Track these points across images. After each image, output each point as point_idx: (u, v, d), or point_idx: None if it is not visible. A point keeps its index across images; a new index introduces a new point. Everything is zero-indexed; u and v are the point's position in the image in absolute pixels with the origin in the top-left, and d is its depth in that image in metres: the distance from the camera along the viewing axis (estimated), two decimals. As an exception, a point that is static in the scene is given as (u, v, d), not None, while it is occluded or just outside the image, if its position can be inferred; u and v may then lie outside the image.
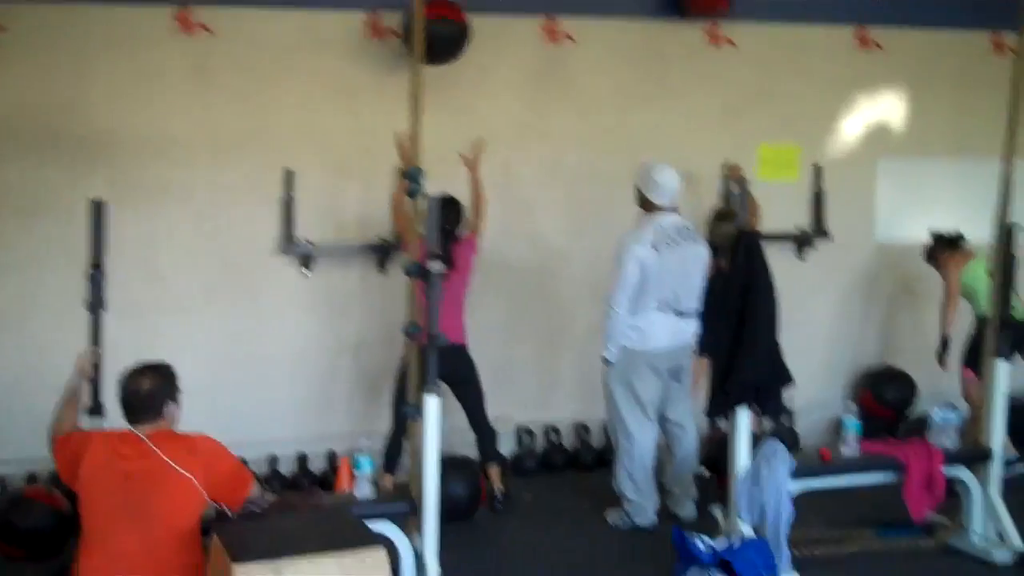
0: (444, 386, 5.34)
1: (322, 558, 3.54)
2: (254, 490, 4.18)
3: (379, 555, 3.62)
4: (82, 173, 6.36)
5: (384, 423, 6.28)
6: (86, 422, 4.55)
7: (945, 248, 7.07)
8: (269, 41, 6.67)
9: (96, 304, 4.65)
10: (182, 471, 3.87)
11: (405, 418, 5.67)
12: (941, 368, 6.94)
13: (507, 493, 6.29)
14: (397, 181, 6.14)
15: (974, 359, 6.40)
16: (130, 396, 4.01)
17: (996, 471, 5.41)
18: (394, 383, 6.14)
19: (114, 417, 4.23)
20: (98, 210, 4.71)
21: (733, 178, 6.62)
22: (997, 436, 5.45)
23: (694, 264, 5.77)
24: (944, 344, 6.88)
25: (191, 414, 4.29)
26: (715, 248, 6.06)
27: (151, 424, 3.99)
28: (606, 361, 5.86)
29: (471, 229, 6.28)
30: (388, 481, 6.05)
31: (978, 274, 6.62)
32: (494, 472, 6.30)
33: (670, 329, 5.77)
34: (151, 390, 4.03)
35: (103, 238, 4.71)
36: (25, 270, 6.39)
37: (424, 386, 4.62)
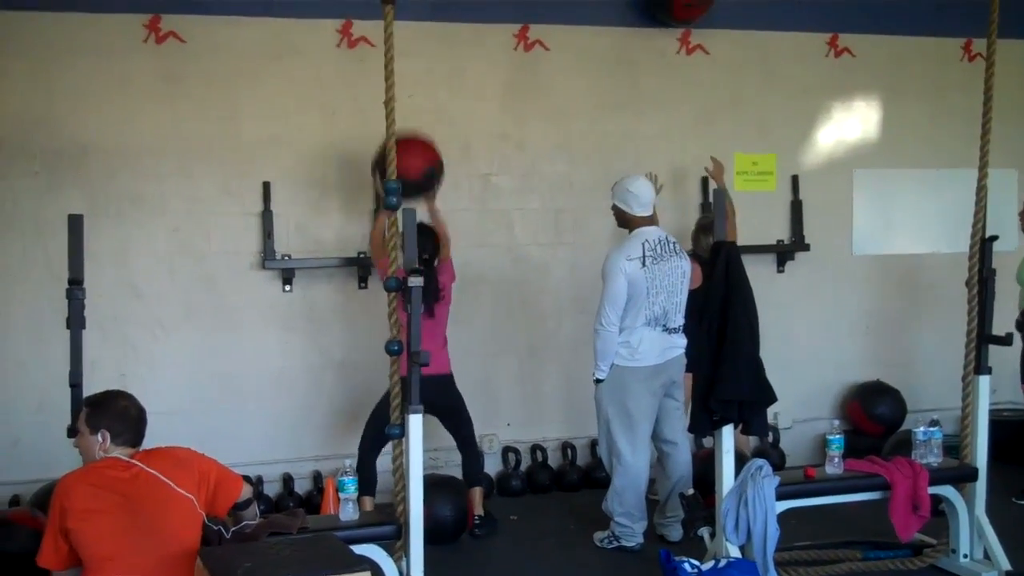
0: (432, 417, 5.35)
1: (308, 583, 3.48)
2: (245, 490, 4.13)
3: (365, 579, 3.56)
4: (54, 186, 6.29)
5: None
6: (65, 444, 4.45)
7: None
8: (241, 50, 6.61)
9: (76, 322, 4.55)
10: (181, 491, 3.83)
11: (375, 439, 5.77)
12: None
13: (487, 517, 6.23)
14: (377, 217, 6.11)
15: None
16: (131, 416, 3.95)
17: (982, 490, 5.39)
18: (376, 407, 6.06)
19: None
20: (76, 225, 4.62)
21: (715, 177, 6.62)
22: (981, 453, 5.44)
23: (680, 279, 5.74)
24: None
25: (173, 433, 4.25)
26: (702, 261, 6.05)
27: (133, 447, 3.92)
28: (597, 380, 5.81)
29: (442, 258, 6.18)
30: (367, 504, 5.97)
31: None
32: (476, 495, 6.23)
33: (660, 345, 5.73)
34: (141, 413, 3.99)
35: (81, 253, 4.63)
36: (-1, 285, 6.30)
37: (407, 406, 4.57)
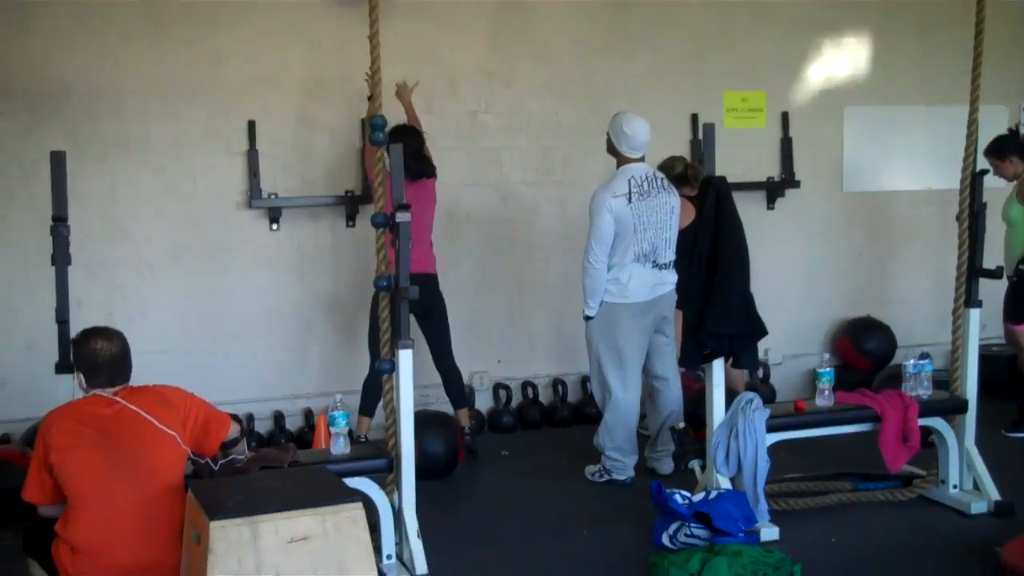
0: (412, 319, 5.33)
1: (299, 514, 3.46)
2: (233, 429, 4.11)
3: (357, 511, 3.55)
4: (37, 127, 6.20)
5: (359, 379, 6.21)
6: (53, 382, 4.44)
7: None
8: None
9: (62, 259, 4.51)
10: (163, 428, 3.80)
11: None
12: None
13: (473, 426, 6.40)
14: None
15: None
16: (110, 357, 3.88)
17: (971, 421, 5.42)
18: (369, 326, 6.04)
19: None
20: (58, 161, 4.57)
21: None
22: (971, 386, 5.45)
23: (668, 214, 5.71)
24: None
25: (162, 373, 4.23)
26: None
27: (121, 384, 3.90)
28: (587, 317, 5.80)
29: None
30: (364, 424, 6.02)
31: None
32: (463, 414, 6.37)
33: (650, 281, 5.70)
34: (125, 349, 3.93)
35: (64, 190, 4.58)
36: (-17, 226, 6.23)
37: (397, 340, 4.56)
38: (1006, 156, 6.57)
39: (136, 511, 3.71)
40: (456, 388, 6.40)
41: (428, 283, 6.01)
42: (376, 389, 5.78)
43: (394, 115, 5.71)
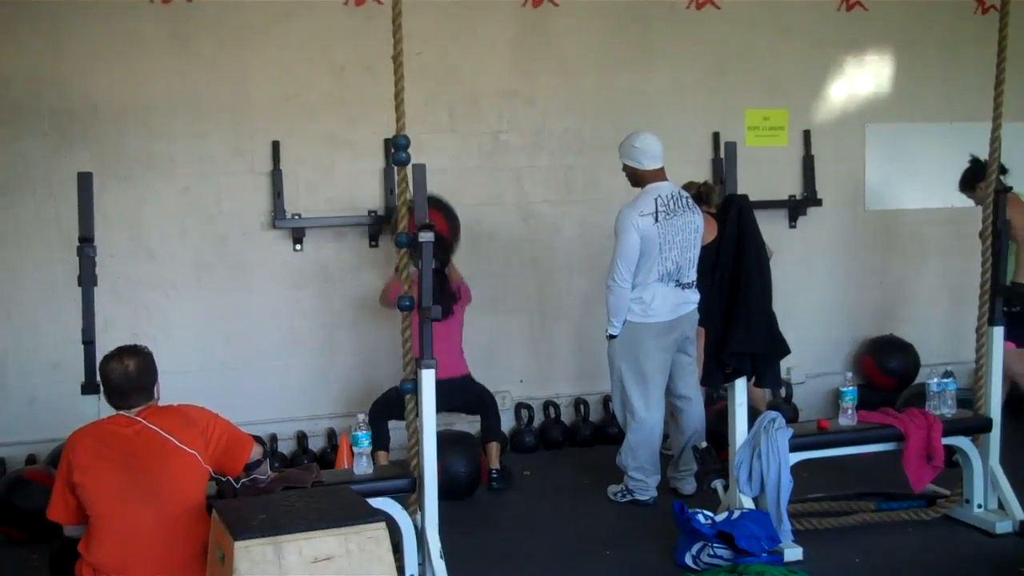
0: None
1: (323, 534, 3.48)
2: (255, 451, 4.13)
3: (380, 531, 3.57)
4: (63, 146, 6.28)
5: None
6: (79, 402, 4.48)
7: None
8: (249, 8, 6.54)
9: (88, 280, 4.55)
10: (183, 447, 3.83)
11: (382, 413, 5.94)
12: None
13: (503, 471, 6.25)
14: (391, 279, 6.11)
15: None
16: (121, 379, 3.91)
17: (995, 440, 5.39)
18: (376, 402, 6.13)
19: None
20: (85, 183, 4.63)
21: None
22: (995, 404, 5.42)
23: (693, 234, 5.70)
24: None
25: (185, 393, 4.23)
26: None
27: (142, 405, 3.93)
28: (610, 336, 5.80)
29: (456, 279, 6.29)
30: (382, 459, 6.01)
31: None
32: (493, 450, 6.27)
33: (673, 300, 5.70)
34: (141, 370, 3.95)
35: (91, 212, 4.63)
36: (11, 245, 6.30)
37: (419, 360, 4.57)
38: (974, 185, 6.51)
39: (157, 531, 3.73)
40: (492, 424, 6.34)
41: (464, 385, 6.12)
42: (380, 431, 5.93)
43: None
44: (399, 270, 4.74)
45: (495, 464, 6.23)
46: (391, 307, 5.88)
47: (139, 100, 6.40)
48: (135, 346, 4.03)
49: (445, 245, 6.14)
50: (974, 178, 6.48)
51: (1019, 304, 5.95)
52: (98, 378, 4.00)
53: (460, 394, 6.01)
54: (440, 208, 6.24)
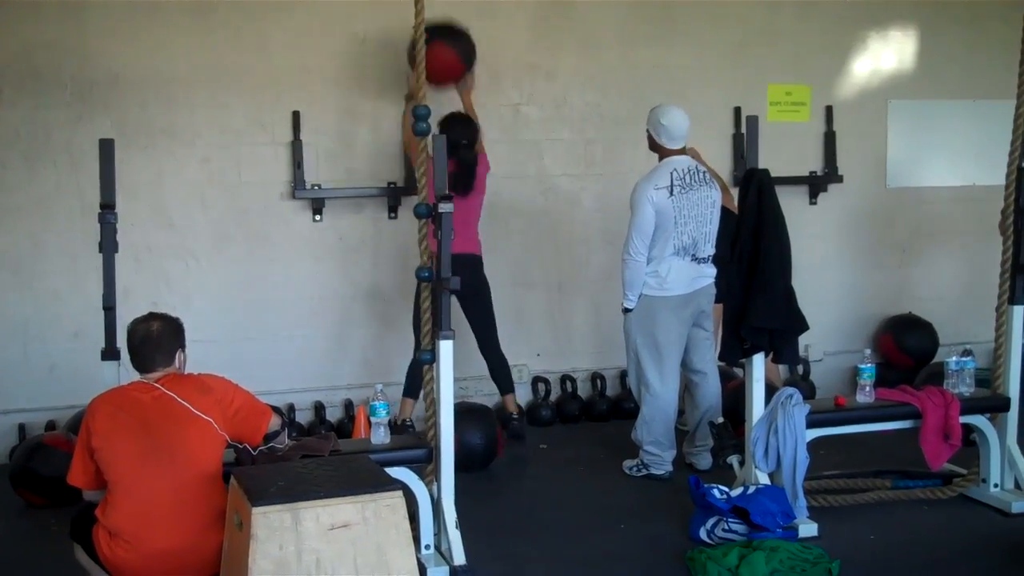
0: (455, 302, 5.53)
1: (340, 501, 3.50)
2: (274, 422, 4.17)
3: (397, 499, 3.59)
4: (86, 116, 6.30)
5: (399, 371, 6.27)
6: (99, 369, 4.52)
7: None
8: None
9: (109, 246, 4.57)
10: (199, 413, 3.85)
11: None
12: None
13: (523, 413, 6.41)
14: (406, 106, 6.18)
15: None
16: (144, 340, 3.96)
17: (1013, 419, 5.37)
18: (413, 309, 5.96)
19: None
20: (107, 149, 4.64)
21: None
22: (1014, 383, 5.40)
23: (709, 208, 5.69)
24: None
25: (204, 362, 4.28)
26: None
27: (162, 370, 3.96)
28: (626, 310, 5.80)
29: (477, 150, 6.35)
30: (408, 407, 6.07)
31: None
32: (510, 400, 6.40)
33: (689, 274, 5.70)
34: (165, 333, 4.00)
35: (112, 178, 4.65)
36: (33, 214, 6.33)
37: (438, 331, 4.58)
38: None
39: (172, 497, 3.76)
40: (502, 373, 6.45)
41: (472, 264, 6.12)
42: (420, 373, 5.84)
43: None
44: (419, 242, 4.74)
45: (513, 409, 6.38)
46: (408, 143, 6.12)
47: (161, 70, 6.41)
48: (166, 314, 4.09)
49: (471, 126, 6.26)
50: None
51: None
52: (123, 350, 4.03)
53: (463, 271, 5.36)
54: (448, 37, 6.17)
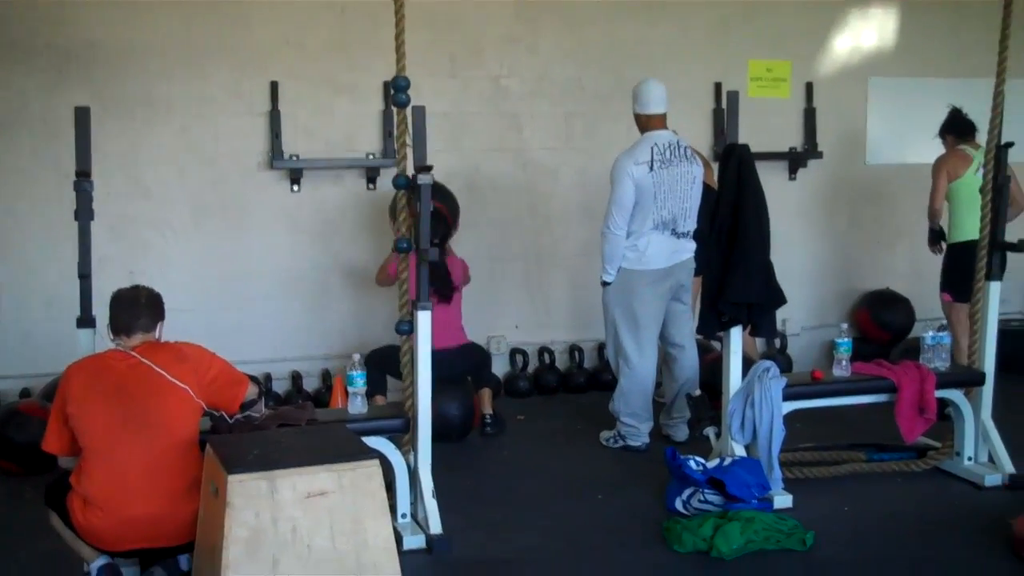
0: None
1: (317, 469, 3.51)
2: (251, 391, 4.17)
3: (374, 468, 3.59)
4: (62, 83, 6.23)
5: (377, 341, 6.24)
6: (74, 337, 4.49)
7: (950, 133, 6.77)
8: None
9: (84, 214, 4.53)
10: (175, 381, 3.84)
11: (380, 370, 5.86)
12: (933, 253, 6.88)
13: (496, 416, 6.27)
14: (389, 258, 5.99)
15: (947, 281, 6.58)
16: (131, 301, 3.97)
17: (988, 394, 5.40)
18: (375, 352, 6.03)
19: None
20: (83, 117, 4.58)
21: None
22: (989, 358, 5.43)
23: (689, 184, 5.69)
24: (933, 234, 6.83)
25: (182, 331, 4.24)
26: None
27: (141, 336, 3.95)
28: (604, 283, 5.80)
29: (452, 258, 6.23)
30: (379, 401, 6.01)
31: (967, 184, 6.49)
32: (485, 395, 6.27)
33: (668, 248, 5.70)
34: (151, 300, 4.03)
35: (88, 146, 4.60)
36: (9, 182, 6.27)
37: (415, 302, 4.58)
38: (943, 136, 6.80)
39: (147, 464, 3.75)
40: (484, 368, 6.35)
41: (468, 350, 6.17)
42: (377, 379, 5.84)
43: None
44: (398, 214, 4.72)
45: (488, 409, 6.24)
46: (388, 284, 5.94)
47: (138, 39, 6.35)
48: (151, 288, 4.10)
49: (444, 225, 6.09)
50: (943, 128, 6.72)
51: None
52: (99, 318, 4.00)
53: (461, 360, 6.04)
54: (438, 193, 6.16)
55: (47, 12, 6.21)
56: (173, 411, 3.83)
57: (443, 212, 6.07)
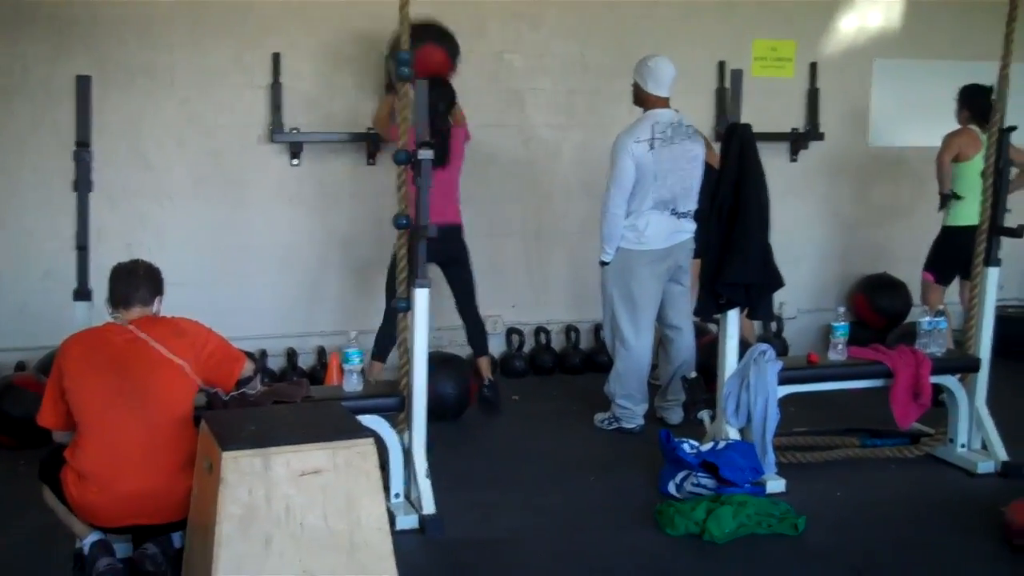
0: (436, 268, 5.52)
1: (311, 447, 3.50)
2: (247, 367, 4.17)
3: (368, 446, 3.59)
4: (63, 52, 6.18)
5: (374, 318, 6.23)
6: (70, 310, 4.49)
7: (968, 109, 6.63)
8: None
9: (83, 185, 4.52)
10: (172, 356, 3.85)
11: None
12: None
13: (494, 383, 6.29)
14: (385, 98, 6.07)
15: (934, 262, 6.60)
16: (130, 272, 3.98)
17: (983, 381, 5.41)
18: (388, 271, 5.96)
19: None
20: (84, 86, 4.58)
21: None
22: (985, 345, 5.43)
23: (690, 163, 5.67)
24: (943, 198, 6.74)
25: (178, 306, 4.24)
26: None
27: (140, 309, 3.95)
28: (603, 263, 5.79)
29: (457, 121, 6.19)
30: (377, 368, 6.02)
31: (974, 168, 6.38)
32: (484, 363, 6.30)
33: (667, 229, 5.69)
34: (150, 273, 4.04)
35: (88, 115, 4.59)
36: (8, 150, 6.23)
37: (414, 279, 4.57)
38: (960, 107, 6.71)
39: (142, 439, 3.76)
40: (479, 337, 6.35)
41: (452, 233, 6.01)
42: (390, 336, 5.76)
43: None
44: (398, 189, 4.70)
45: (487, 374, 6.26)
46: (384, 131, 6.00)
47: (140, 8, 6.30)
48: (150, 262, 4.11)
49: (449, 91, 6.08)
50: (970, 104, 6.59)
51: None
52: (96, 290, 4.00)
53: (444, 241, 5.40)
54: (437, 38, 6.13)
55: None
56: (169, 387, 3.84)
57: (443, 71, 6.07)
